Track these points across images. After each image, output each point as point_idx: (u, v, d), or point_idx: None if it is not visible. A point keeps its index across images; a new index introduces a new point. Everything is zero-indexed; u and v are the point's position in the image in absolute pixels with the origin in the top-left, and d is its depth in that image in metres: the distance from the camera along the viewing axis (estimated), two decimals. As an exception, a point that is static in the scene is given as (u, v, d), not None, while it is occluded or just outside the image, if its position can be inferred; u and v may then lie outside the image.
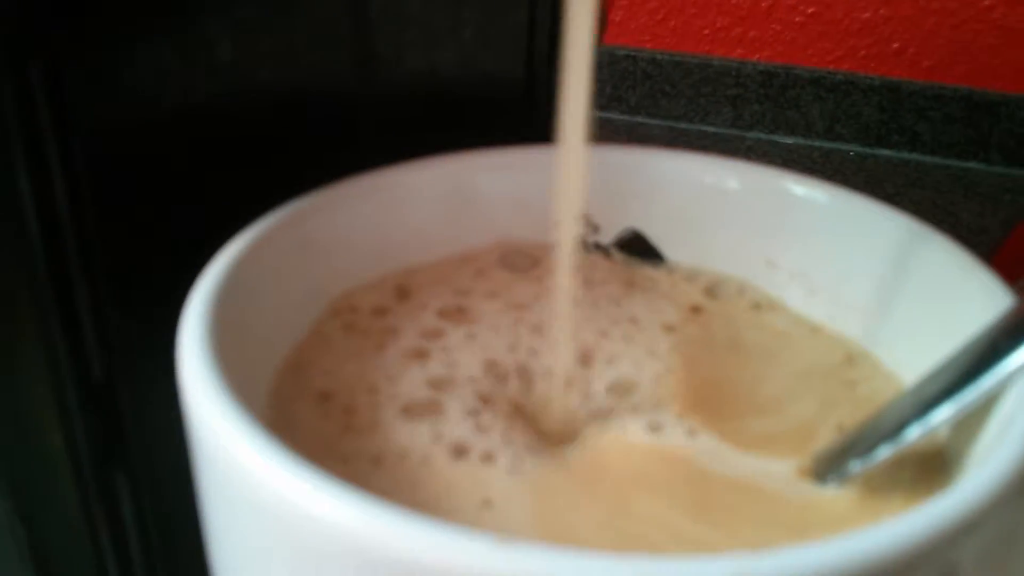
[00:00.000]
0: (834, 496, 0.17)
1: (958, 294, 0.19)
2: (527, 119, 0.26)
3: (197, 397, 0.15)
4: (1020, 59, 0.60)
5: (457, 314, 0.21)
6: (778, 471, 0.17)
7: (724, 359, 0.20)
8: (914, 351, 0.20)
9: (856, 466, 0.17)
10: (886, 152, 0.62)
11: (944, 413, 0.16)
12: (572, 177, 0.18)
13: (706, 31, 0.63)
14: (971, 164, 0.61)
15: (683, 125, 0.63)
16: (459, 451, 0.17)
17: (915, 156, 0.61)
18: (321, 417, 0.18)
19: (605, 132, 0.62)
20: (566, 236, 0.18)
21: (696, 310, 0.22)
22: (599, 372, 0.20)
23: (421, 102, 0.24)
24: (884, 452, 0.16)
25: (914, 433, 0.16)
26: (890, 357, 0.20)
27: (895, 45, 0.61)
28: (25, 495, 0.22)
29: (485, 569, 0.12)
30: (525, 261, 0.23)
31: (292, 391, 0.19)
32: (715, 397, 0.19)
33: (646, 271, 0.23)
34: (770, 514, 0.16)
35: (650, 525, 0.16)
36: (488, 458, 0.17)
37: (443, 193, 0.23)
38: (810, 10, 0.61)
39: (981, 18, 0.59)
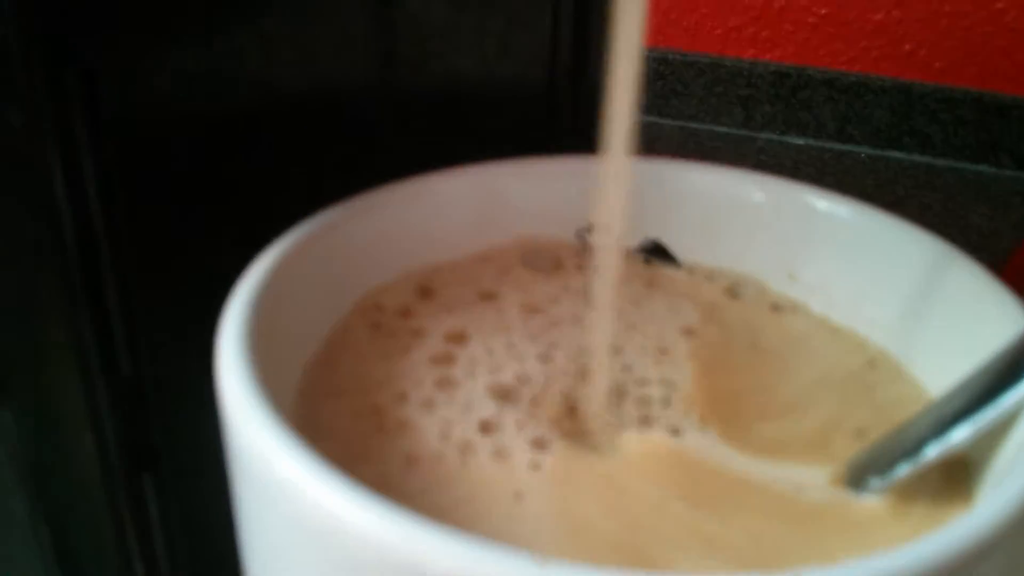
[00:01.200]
0: (854, 502, 0.17)
1: (979, 313, 0.19)
2: (548, 129, 0.26)
3: (234, 402, 0.16)
4: (1031, 62, 0.60)
5: (481, 315, 0.21)
6: (794, 475, 0.17)
7: (744, 362, 0.21)
8: (935, 362, 0.20)
9: (876, 483, 0.17)
10: (897, 154, 0.62)
11: (962, 433, 0.16)
12: (616, 187, 0.18)
13: (718, 31, 0.63)
14: (982, 167, 0.61)
15: (694, 125, 0.63)
16: (487, 449, 0.17)
17: (926, 159, 0.61)
18: (352, 417, 0.18)
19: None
20: (607, 243, 0.18)
21: (715, 310, 0.22)
22: (623, 376, 0.20)
23: (443, 110, 0.25)
24: (903, 470, 0.16)
25: (933, 452, 0.16)
26: (911, 363, 0.20)
27: (907, 47, 0.61)
28: (52, 495, 0.22)
29: None
30: (547, 262, 0.23)
31: (322, 390, 0.19)
32: (734, 401, 0.19)
33: (667, 271, 0.23)
34: (780, 514, 0.16)
35: (668, 522, 0.16)
36: (515, 455, 0.17)
37: (472, 202, 0.23)
38: (823, 11, 0.61)
39: (993, 21, 0.59)
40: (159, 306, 0.20)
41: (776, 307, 0.22)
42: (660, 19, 0.63)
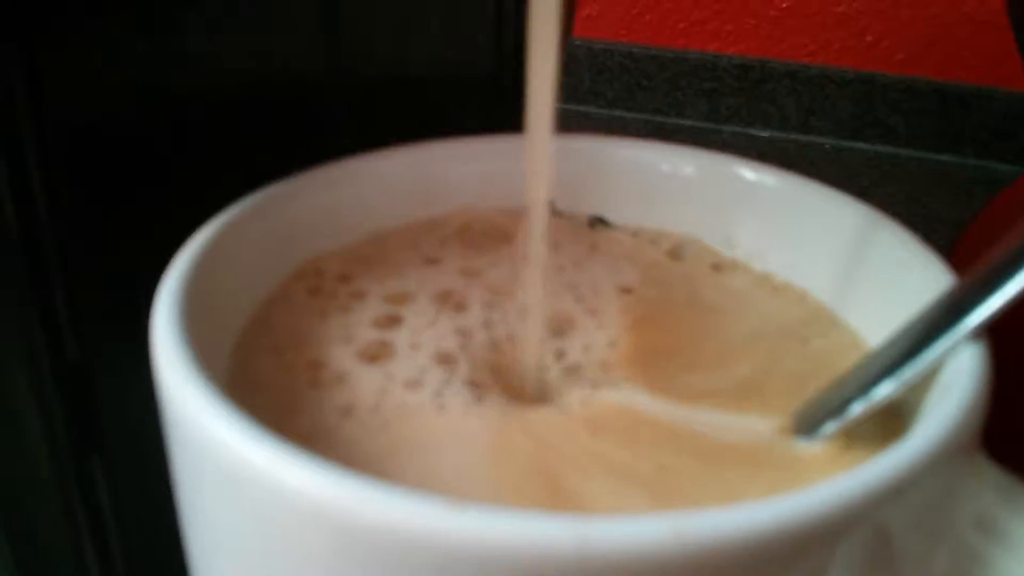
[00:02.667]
0: (784, 447, 0.17)
1: (906, 271, 0.19)
2: (495, 108, 0.26)
3: (165, 366, 0.16)
4: (993, 52, 0.60)
5: (422, 277, 0.22)
6: (726, 422, 0.18)
7: (680, 318, 0.21)
8: (870, 316, 0.20)
9: (811, 435, 0.17)
10: (860, 145, 0.62)
11: (885, 390, 0.16)
12: (539, 164, 0.18)
13: (682, 25, 0.63)
14: (944, 157, 0.61)
15: (660, 119, 0.64)
16: (423, 401, 0.18)
17: (889, 149, 0.62)
18: (287, 372, 0.18)
19: (582, 126, 0.63)
20: (535, 220, 0.18)
21: (656, 269, 0.22)
22: (557, 332, 0.20)
23: (390, 92, 0.25)
24: (830, 428, 0.17)
25: (857, 409, 0.16)
26: (848, 315, 0.21)
27: (869, 38, 0.61)
28: (2, 479, 0.22)
29: (435, 530, 0.12)
30: (488, 232, 0.24)
31: (256, 347, 0.19)
32: (666, 354, 0.20)
33: (611, 235, 0.23)
34: (708, 456, 0.17)
35: (592, 464, 0.16)
36: (450, 407, 0.18)
37: (409, 181, 0.23)
38: (785, 4, 0.61)
39: (953, 11, 0.60)
40: (104, 289, 0.20)
41: (717, 267, 0.23)
42: (624, 14, 0.63)
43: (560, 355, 0.20)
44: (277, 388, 0.18)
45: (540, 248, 0.18)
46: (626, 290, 0.21)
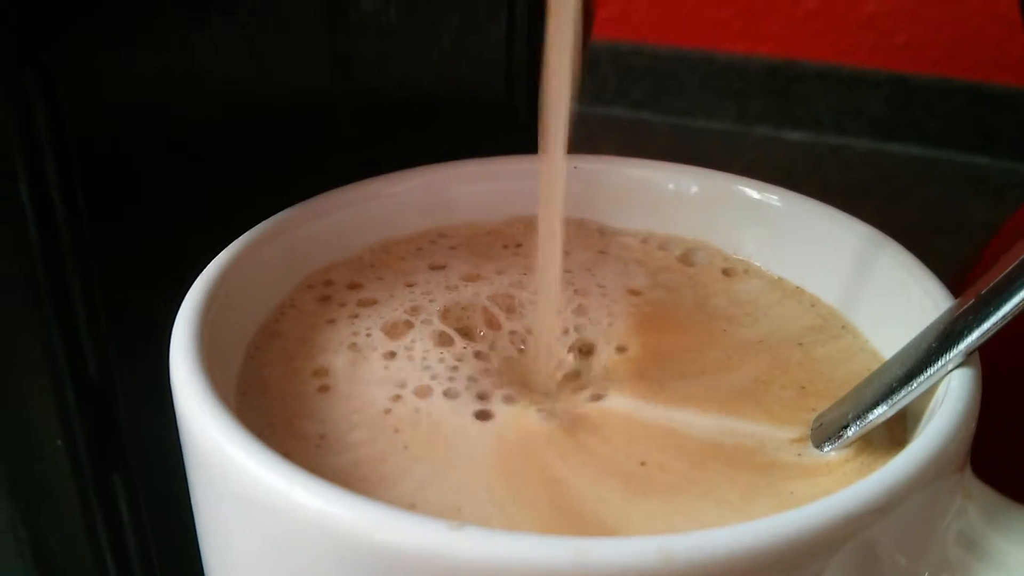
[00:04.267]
0: (761, 449, 0.18)
1: (904, 290, 0.20)
2: (506, 127, 0.27)
3: (183, 393, 0.16)
4: (1028, 52, 0.59)
5: (429, 282, 0.22)
6: (714, 424, 0.18)
7: (686, 321, 0.21)
8: (876, 324, 0.21)
9: (821, 447, 0.18)
10: (893, 147, 0.61)
11: (879, 411, 0.17)
12: (554, 184, 0.19)
13: (708, 24, 0.63)
14: (978, 158, 0.61)
15: (687, 122, 0.63)
16: (432, 400, 0.18)
17: (922, 151, 0.61)
18: (292, 378, 0.19)
19: (607, 129, 0.63)
20: (548, 226, 0.19)
21: (665, 273, 0.23)
22: (564, 334, 0.21)
23: (400, 110, 0.25)
24: (828, 447, 0.17)
25: (852, 432, 0.17)
26: (857, 323, 0.21)
27: (900, 38, 0.61)
28: (25, 496, 0.22)
29: (438, 550, 0.13)
30: (495, 243, 0.24)
31: (266, 356, 0.20)
32: (669, 357, 0.20)
33: (622, 240, 0.24)
34: (687, 456, 0.17)
35: (590, 469, 0.17)
36: (457, 408, 0.18)
37: (420, 202, 0.24)
38: (813, 3, 0.61)
39: (986, 11, 0.59)
40: (125, 308, 0.21)
41: (728, 272, 0.23)
42: (649, 13, 0.63)
43: (566, 356, 0.20)
44: (286, 394, 0.19)
45: (551, 253, 0.19)
46: (634, 292, 0.22)
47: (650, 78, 0.63)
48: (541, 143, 0.19)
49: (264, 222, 0.21)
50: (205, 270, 0.19)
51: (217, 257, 0.20)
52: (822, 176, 0.58)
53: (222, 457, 0.15)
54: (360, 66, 0.24)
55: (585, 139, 0.25)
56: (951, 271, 0.20)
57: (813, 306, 0.22)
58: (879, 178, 0.58)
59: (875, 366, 0.20)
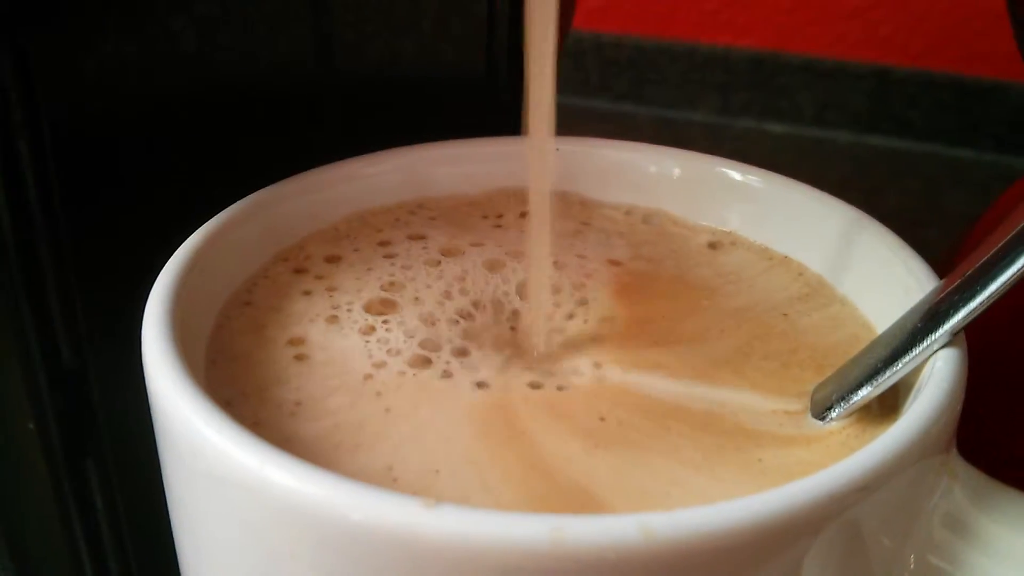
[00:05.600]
0: (732, 415, 0.18)
1: (888, 268, 0.20)
2: (488, 107, 0.27)
3: (154, 369, 0.16)
4: (1010, 44, 0.59)
5: (408, 252, 0.22)
6: (681, 389, 0.18)
7: (666, 292, 0.21)
8: (865, 296, 0.21)
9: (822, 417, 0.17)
10: (876, 139, 0.61)
11: (864, 392, 0.16)
12: (541, 164, 0.19)
13: (692, 16, 0.63)
14: (961, 151, 0.61)
15: (670, 113, 0.63)
16: (413, 367, 0.18)
17: (905, 143, 0.61)
18: (265, 347, 0.19)
19: (590, 121, 0.62)
20: (537, 215, 0.19)
21: (646, 245, 0.23)
22: (546, 306, 0.21)
23: (383, 92, 0.25)
24: (816, 424, 0.17)
25: (836, 412, 0.17)
26: (844, 292, 0.21)
27: (884, 31, 0.61)
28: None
29: (413, 529, 0.13)
30: (476, 211, 0.24)
31: (237, 326, 0.20)
32: (645, 327, 0.20)
33: (605, 212, 0.24)
34: (650, 416, 0.17)
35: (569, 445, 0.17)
36: (446, 376, 0.18)
37: (399, 184, 0.24)
38: (798, -5, 0.61)
39: (970, 3, 0.59)
40: (99, 292, 0.21)
41: (715, 245, 0.23)
42: (633, 5, 0.63)
43: (544, 324, 0.20)
44: (259, 363, 0.18)
45: (539, 229, 0.19)
46: (615, 263, 0.22)
47: (633, 70, 0.63)
48: (525, 123, 0.19)
49: (239, 202, 0.21)
50: (179, 249, 0.19)
51: (191, 236, 0.20)
52: (804, 168, 0.58)
53: (192, 433, 0.15)
54: (342, 48, 0.24)
55: (567, 131, 0.24)
56: (933, 262, 0.20)
57: (801, 275, 0.22)
58: (862, 170, 0.58)
59: (864, 334, 0.20)
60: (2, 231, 0.19)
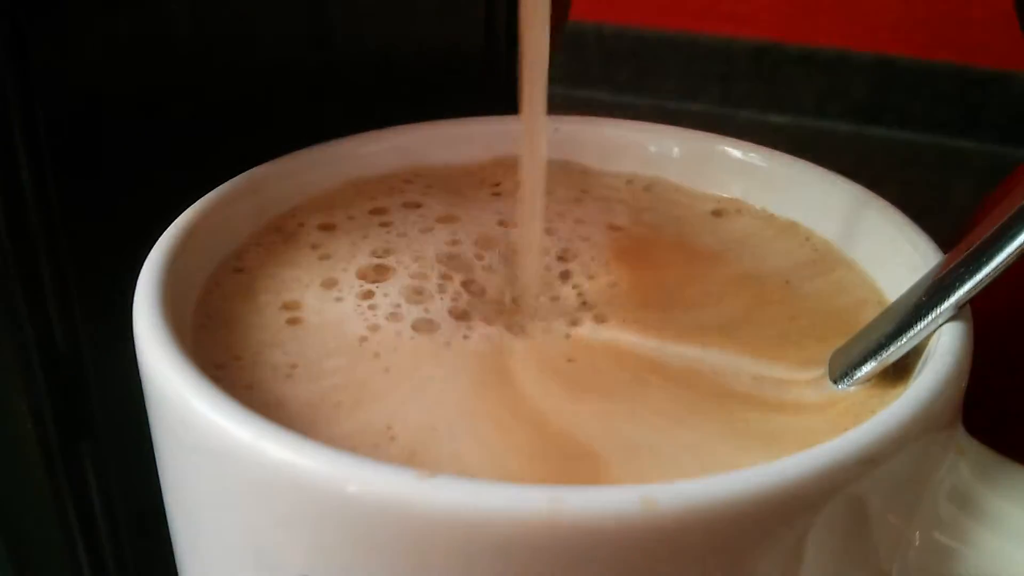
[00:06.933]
0: (720, 376, 0.17)
1: (893, 246, 0.19)
2: (486, 87, 0.26)
3: (144, 341, 0.16)
4: (1013, 35, 0.59)
5: (405, 218, 0.22)
6: (709, 358, 0.18)
7: (665, 257, 0.21)
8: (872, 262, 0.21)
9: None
10: (878, 130, 0.61)
11: (867, 368, 0.16)
12: (535, 143, 0.18)
13: (694, 6, 0.62)
14: (963, 142, 0.60)
15: (671, 104, 0.63)
16: (412, 329, 0.18)
17: (907, 134, 0.61)
18: (259, 313, 0.19)
19: (591, 111, 0.62)
20: (530, 181, 0.19)
21: (647, 212, 0.22)
22: (542, 270, 0.21)
23: (380, 72, 0.25)
24: (805, 391, 0.17)
25: (841, 387, 0.16)
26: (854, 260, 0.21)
27: (886, 21, 0.60)
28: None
29: (408, 501, 0.13)
30: (473, 180, 0.24)
31: (228, 291, 0.19)
32: (646, 291, 0.20)
33: (605, 180, 0.24)
34: (635, 373, 0.17)
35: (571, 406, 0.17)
36: (444, 336, 0.18)
37: (395, 163, 0.23)
38: (800, -14, 0.61)
39: (971, -7, 0.59)
40: (92, 274, 0.20)
41: (719, 212, 0.23)
42: (634, -5, 0.63)
43: (540, 287, 0.20)
44: (253, 327, 0.18)
45: (531, 189, 0.19)
46: (615, 228, 0.22)
47: (634, 60, 0.63)
48: (521, 101, 0.18)
49: (233, 179, 0.21)
50: (171, 224, 0.19)
51: (183, 212, 0.19)
52: (806, 158, 0.58)
53: (183, 404, 0.14)
54: (339, 31, 0.24)
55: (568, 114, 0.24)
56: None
57: (808, 240, 0.22)
58: (863, 161, 0.58)
59: (872, 297, 0.19)
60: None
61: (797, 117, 0.62)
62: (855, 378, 0.17)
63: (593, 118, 0.24)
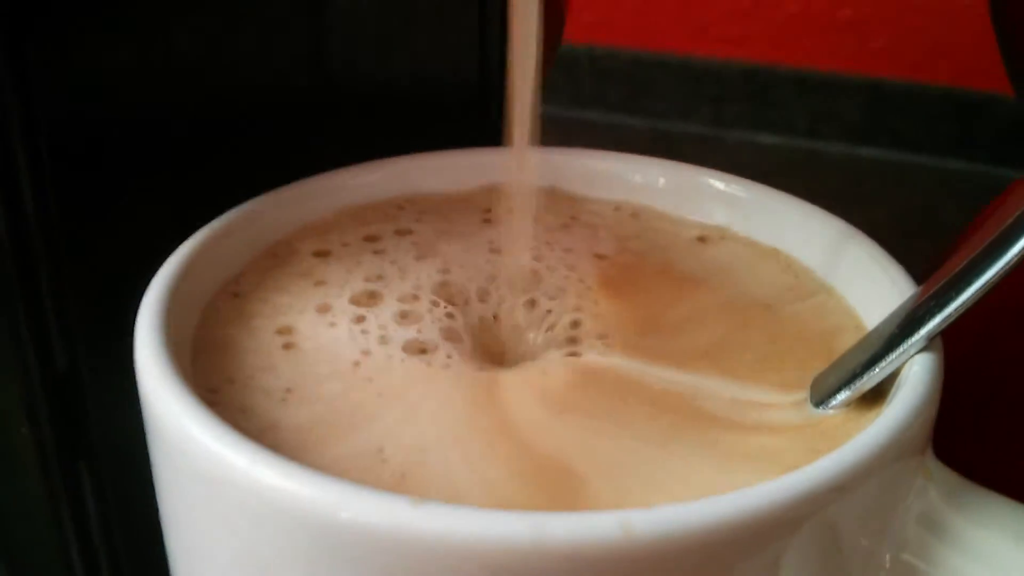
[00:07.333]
0: (695, 398, 0.18)
1: (872, 281, 0.20)
2: (480, 123, 0.27)
3: (146, 369, 0.17)
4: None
5: (396, 245, 0.22)
6: (652, 372, 0.19)
7: (649, 285, 0.22)
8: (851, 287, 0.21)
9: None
10: (869, 151, 0.62)
11: (842, 398, 0.17)
12: (524, 171, 0.19)
13: (687, 29, 0.63)
14: (954, 163, 0.61)
15: (663, 125, 0.64)
16: (406, 353, 0.19)
17: (898, 155, 0.62)
18: (252, 337, 0.19)
19: (584, 133, 0.63)
20: (519, 210, 0.20)
21: (633, 240, 0.23)
22: (527, 293, 0.21)
23: (375, 107, 0.25)
24: (782, 414, 0.17)
25: (817, 412, 0.17)
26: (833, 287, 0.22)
27: (877, 43, 0.61)
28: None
29: (399, 527, 0.13)
30: (464, 206, 0.25)
31: (225, 317, 0.20)
32: (626, 321, 0.20)
33: (592, 207, 0.24)
34: (609, 395, 0.18)
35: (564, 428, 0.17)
36: (436, 362, 0.19)
37: (389, 194, 0.24)
38: (792, 8, 0.62)
39: (962, 16, 0.59)
40: (93, 295, 0.21)
41: (704, 239, 0.23)
42: (628, 17, 0.63)
43: (527, 315, 0.21)
44: (247, 351, 0.19)
45: (519, 217, 0.19)
46: (601, 256, 0.22)
47: (627, 82, 0.64)
48: (507, 134, 0.19)
49: (231, 211, 0.21)
50: (169, 257, 0.20)
51: (182, 245, 0.20)
52: (797, 180, 0.58)
53: (179, 430, 0.15)
54: (334, 60, 0.24)
55: (560, 142, 0.25)
56: (924, 274, 0.21)
57: (789, 267, 0.22)
58: (854, 182, 0.58)
59: (849, 323, 0.20)
60: (-1, 238, 0.19)
61: (789, 138, 0.62)
62: (831, 404, 0.17)
63: (580, 149, 0.25)
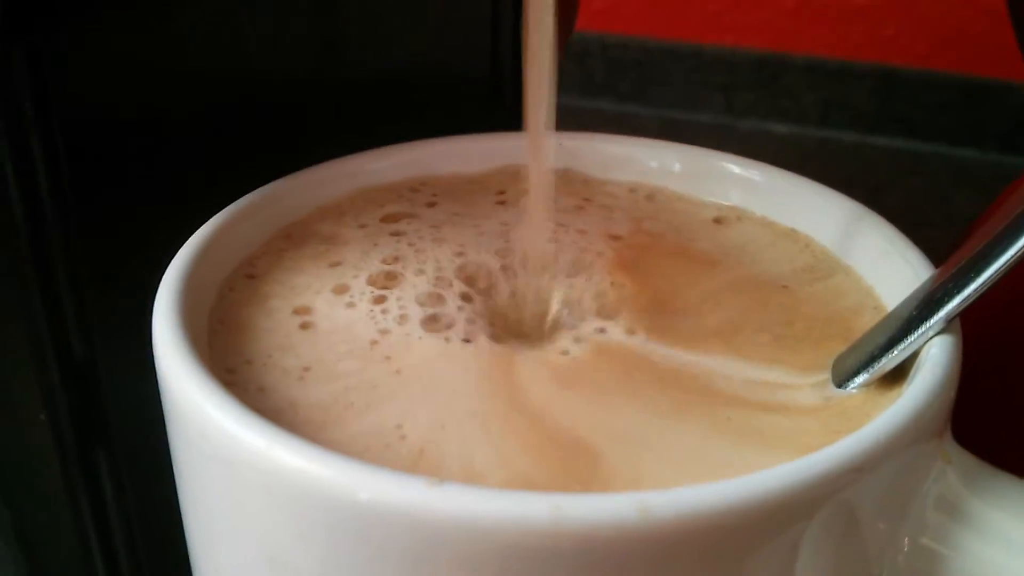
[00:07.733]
0: (707, 378, 0.18)
1: (887, 261, 0.20)
2: (491, 109, 0.27)
3: (163, 352, 0.17)
4: (1015, 45, 0.60)
5: (411, 226, 0.22)
6: (707, 363, 0.18)
7: (664, 266, 0.21)
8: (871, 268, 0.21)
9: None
10: (881, 139, 0.62)
11: (860, 380, 0.17)
12: (540, 153, 0.19)
13: (697, 17, 0.63)
14: (966, 151, 0.61)
15: (674, 114, 0.64)
16: (423, 331, 0.19)
17: (910, 143, 0.61)
18: (269, 318, 0.19)
19: (595, 122, 0.63)
20: (536, 191, 0.20)
21: (648, 220, 0.23)
22: (545, 278, 0.21)
23: (387, 93, 0.25)
24: (797, 395, 0.17)
25: (836, 393, 0.17)
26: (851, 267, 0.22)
27: (889, 31, 0.61)
28: (7, 474, 0.22)
29: (417, 507, 0.13)
30: (479, 188, 0.25)
31: (240, 298, 0.20)
32: (642, 302, 0.20)
33: (608, 189, 0.24)
34: (627, 372, 0.18)
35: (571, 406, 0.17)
36: (454, 340, 0.19)
37: (402, 179, 0.24)
38: (803, -4, 0.61)
39: (974, 2, 0.59)
40: (110, 283, 0.21)
41: (720, 220, 0.23)
42: (638, 5, 0.63)
43: (542, 296, 0.21)
44: (264, 331, 0.19)
45: (535, 198, 0.19)
46: (615, 237, 0.22)
47: (638, 71, 0.63)
48: (525, 118, 0.19)
49: (247, 195, 0.21)
50: (186, 243, 0.20)
51: (198, 230, 0.20)
52: (809, 168, 0.58)
53: (197, 411, 0.15)
54: (346, 48, 0.24)
55: (572, 131, 0.25)
56: (937, 262, 0.20)
57: (807, 246, 0.22)
58: (866, 170, 0.58)
59: (868, 303, 0.20)
60: (15, 226, 0.19)
61: (801, 127, 0.62)
62: (851, 386, 0.17)
63: (595, 134, 0.25)
